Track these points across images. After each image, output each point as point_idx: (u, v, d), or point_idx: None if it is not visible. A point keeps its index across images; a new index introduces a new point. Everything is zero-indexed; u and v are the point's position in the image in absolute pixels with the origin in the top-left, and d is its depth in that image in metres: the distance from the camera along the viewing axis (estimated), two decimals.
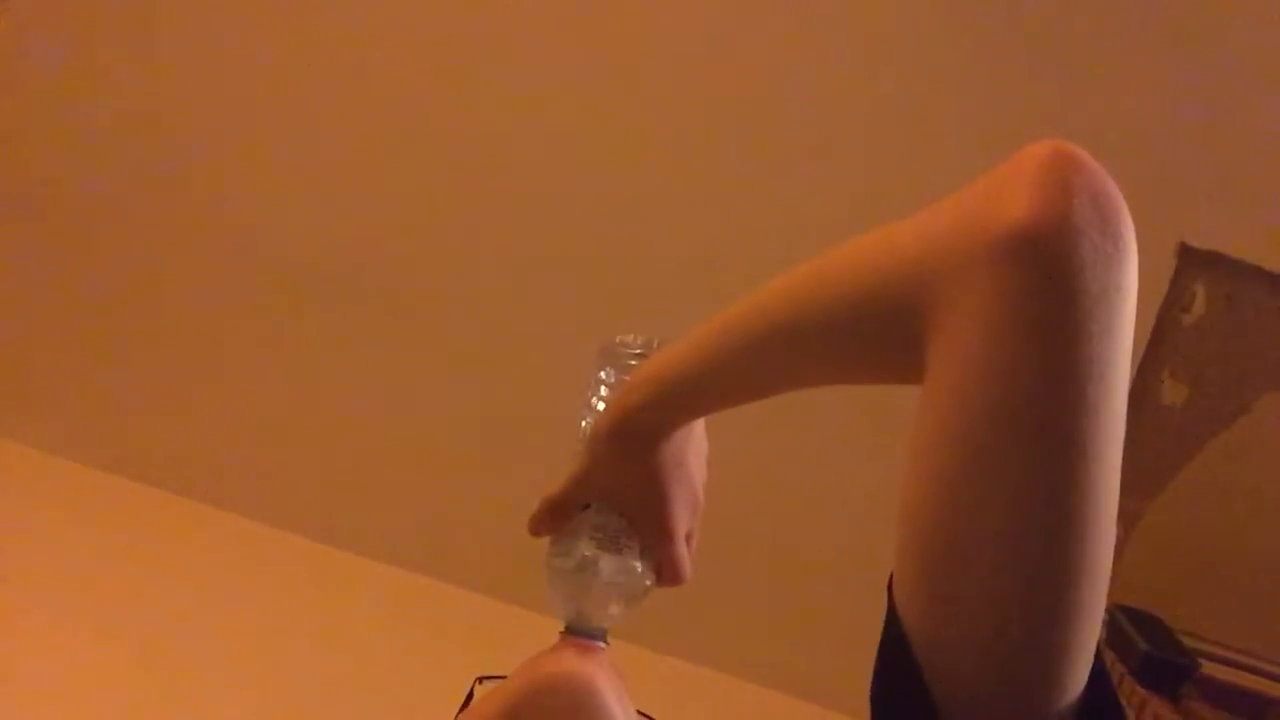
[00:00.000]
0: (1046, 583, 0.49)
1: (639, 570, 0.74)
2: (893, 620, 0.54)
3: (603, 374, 0.79)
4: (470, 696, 0.70)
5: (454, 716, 0.70)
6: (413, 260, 2.46)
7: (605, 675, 0.68)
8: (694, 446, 0.76)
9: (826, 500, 2.39)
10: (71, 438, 2.50)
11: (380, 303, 2.47)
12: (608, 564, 0.73)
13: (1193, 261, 2.29)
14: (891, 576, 0.55)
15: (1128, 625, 2.00)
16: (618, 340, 0.80)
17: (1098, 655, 0.52)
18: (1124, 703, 1.87)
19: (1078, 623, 0.50)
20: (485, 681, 0.70)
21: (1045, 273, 0.48)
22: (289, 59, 2.40)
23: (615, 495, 0.74)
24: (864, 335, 0.58)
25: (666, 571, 0.75)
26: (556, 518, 0.76)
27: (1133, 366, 1.95)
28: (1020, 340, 0.49)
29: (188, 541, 2.37)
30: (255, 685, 2.01)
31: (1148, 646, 1.92)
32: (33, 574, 2.11)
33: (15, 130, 2.47)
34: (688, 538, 0.76)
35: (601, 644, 0.71)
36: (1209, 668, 2.01)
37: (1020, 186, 0.49)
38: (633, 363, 0.77)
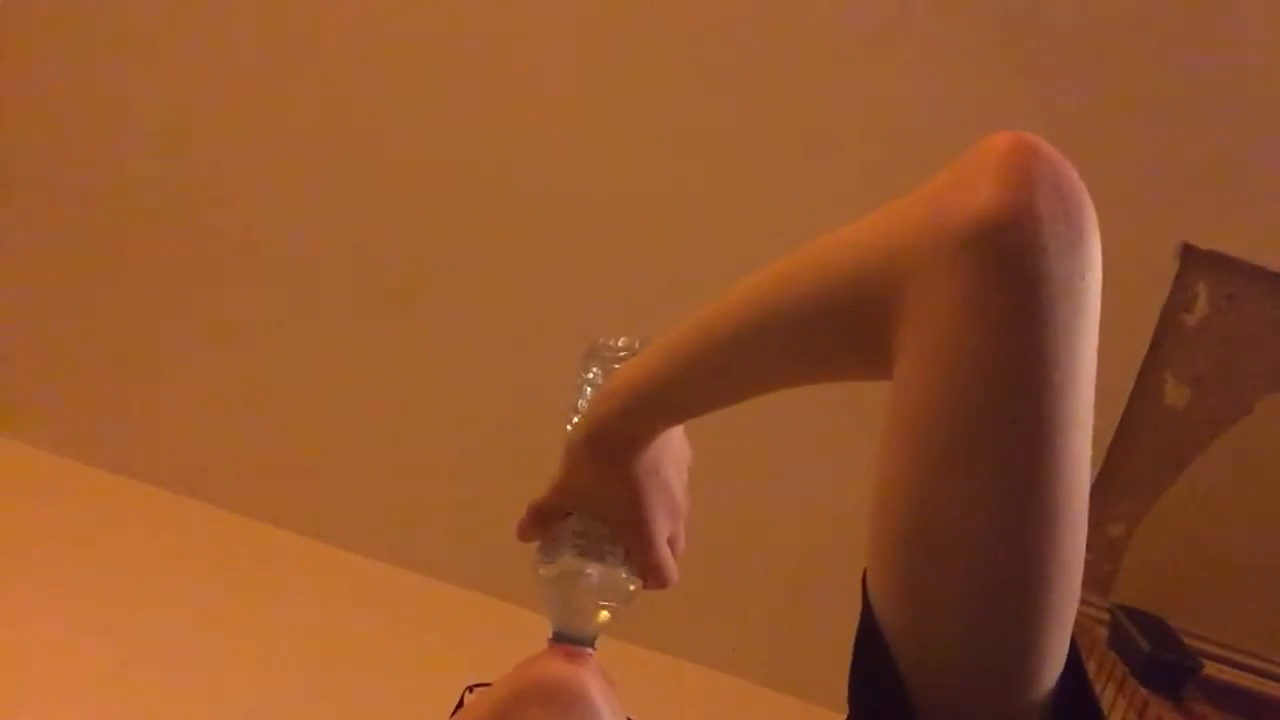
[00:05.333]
0: (1018, 573, 0.49)
1: (623, 576, 0.74)
2: (867, 613, 0.54)
3: (590, 374, 0.79)
4: (460, 704, 0.70)
5: None
6: (414, 260, 2.46)
7: (593, 680, 0.68)
8: (671, 453, 0.76)
9: (824, 499, 2.38)
10: (71, 437, 2.50)
11: (383, 303, 2.47)
12: (591, 571, 0.73)
13: (1195, 262, 2.29)
14: (865, 570, 0.55)
15: (1130, 625, 1.99)
16: (602, 342, 0.80)
17: (1072, 646, 0.52)
18: (1105, 695, 1.87)
19: (1051, 612, 0.50)
20: (475, 689, 0.70)
21: (1009, 262, 0.48)
22: (291, 57, 2.40)
23: (595, 503, 0.75)
24: (833, 333, 0.58)
25: (650, 577, 0.75)
26: (541, 524, 0.76)
27: (1134, 367, 1.93)
28: (985, 330, 0.49)
29: (188, 540, 2.38)
30: (254, 683, 2.01)
31: (1150, 647, 1.91)
32: (33, 573, 2.11)
33: (15, 131, 2.47)
34: (672, 542, 0.76)
35: (589, 649, 0.71)
36: (1211, 668, 2.00)
37: (982, 177, 0.49)
38: (617, 367, 0.77)
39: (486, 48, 2.37)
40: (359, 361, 2.50)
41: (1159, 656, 1.90)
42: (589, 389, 0.78)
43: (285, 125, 2.43)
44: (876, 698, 0.53)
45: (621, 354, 0.78)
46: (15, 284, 2.52)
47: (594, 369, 0.79)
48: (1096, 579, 2.34)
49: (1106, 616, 2.12)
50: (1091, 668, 2.01)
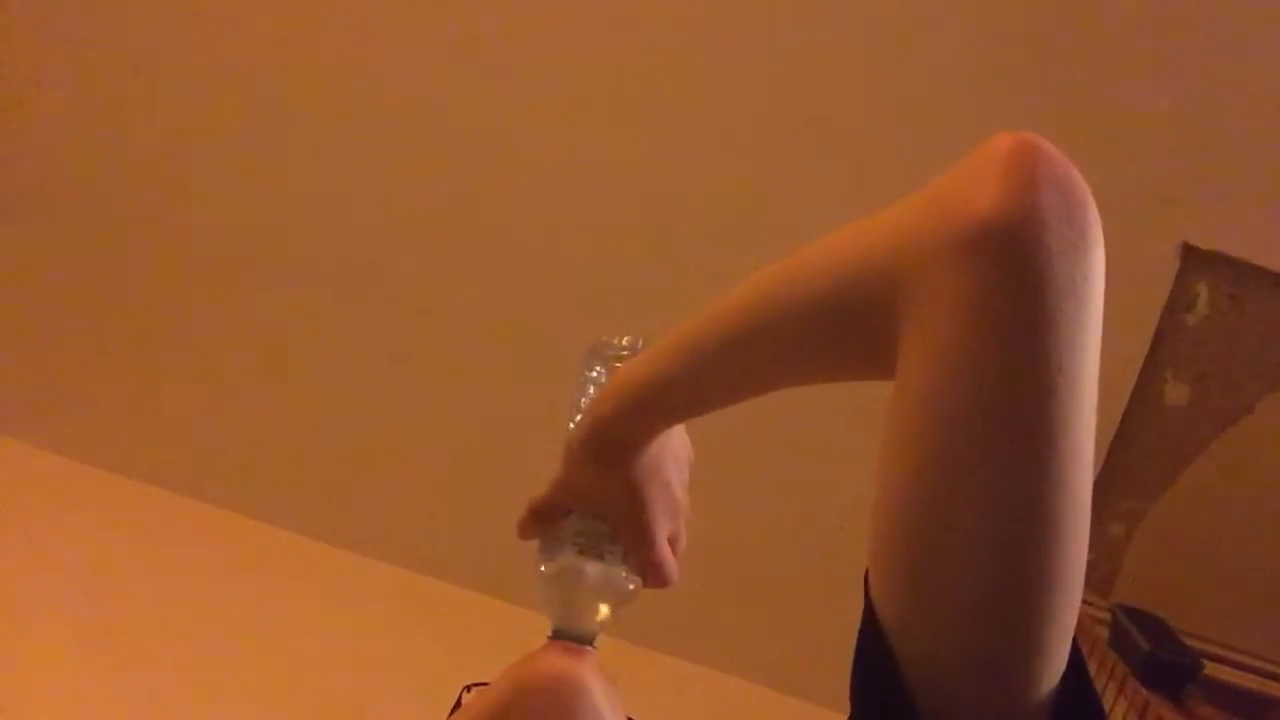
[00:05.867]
0: (1020, 574, 0.49)
1: (623, 575, 0.74)
2: (869, 614, 0.54)
3: (593, 372, 0.79)
4: (459, 703, 0.70)
5: (445, 719, 0.70)
6: (415, 259, 2.46)
7: (593, 677, 0.68)
8: (671, 452, 0.76)
9: (825, 499, 2.39)
10: (72, 437, 2.50)
11: (382, 302, 2.47)
12: (590, 569, 0.73)
13: (1196, 262, 2.28)
14: (867, 571, 0.55)
15: (1130, 625, 1.99)
16: (605, 340, 0.80)
17: (1074, 646, 0.52)
18: (1106, 695, 1.86)
19: (1053, 613, 0.50)
20: (474, 688, 0.70)
21: (1012, 265, 0.48)
22: (289, 56, 2.40)
23: (595, 501, 0.74)
24: (837, 333, 0.57)
25: (651, 575, 0.75)
26: (541, 523, 0.76)
27: (1135, 367, 1.93)
28: (989, 332, 0.49)
29: (188, 541, 2.37)
30: (254, 683, 2.01)
31: (1150, 647, 1.91)
32: (33, 574, 2.11)
33: (15, 130, 2.47)
34: (673, 541, 0.76)
35: (589, 647, 0.71)
36: (1211, 668, 2.00)
37: (986, 178, 0.49)
38: (619, 365, 0.76)
39: (486, 48, 2.37)
40: (358, 361, 2.50)
41: (1159, 656, 1.90)
42: (591, 387, 0.78)
43: (284, 127, 2.43)
44: (879, 698, 0.53)
45: (624, 352, 0.78)
46: (15, 284, 2.52)
47: (596, 367, 0.79)
48: (1096, 579, 2.34)
49: (1106, 616, 2.11)
50: (1091, 668, 2.01)
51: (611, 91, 2.38)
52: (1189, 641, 2.05)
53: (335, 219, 2.45)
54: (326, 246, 2.45)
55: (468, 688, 0.71)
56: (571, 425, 0.76)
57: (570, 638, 0.71)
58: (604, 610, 0.73)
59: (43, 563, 2.15)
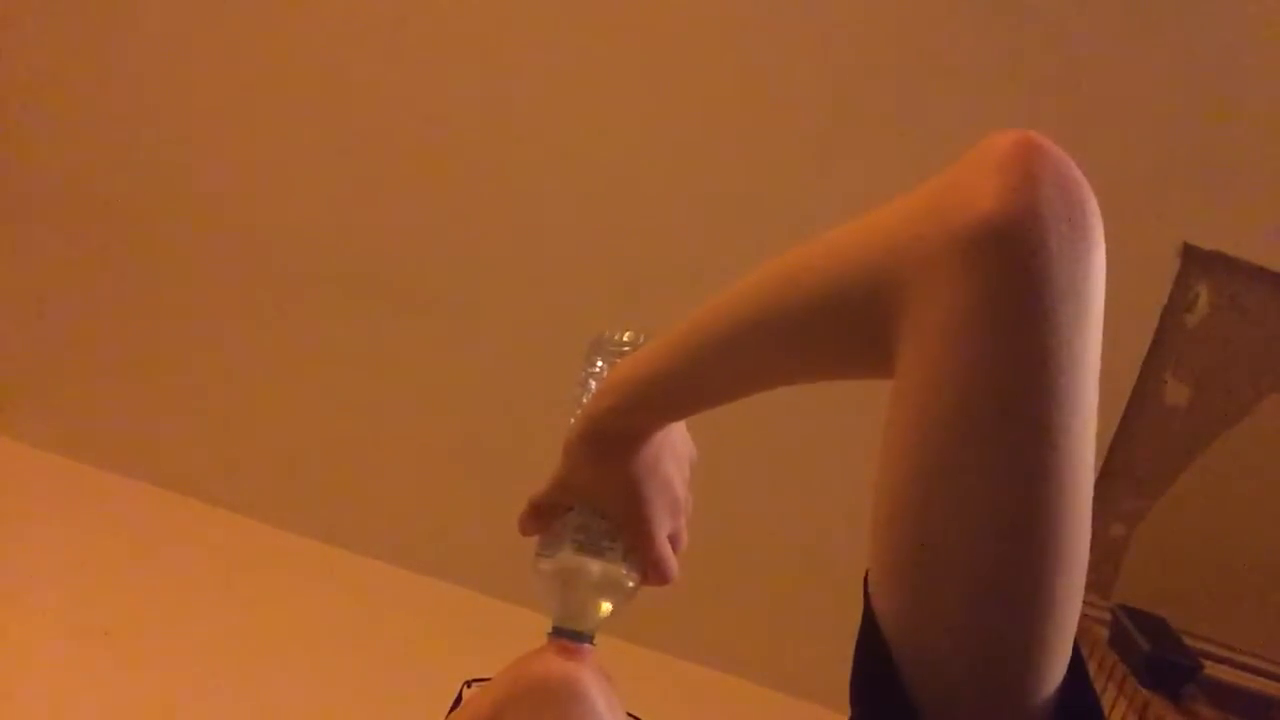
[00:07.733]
0: (1020, 575, 0.49)
1: (623, 572, 0.73)
2: (869, 615, 0.53)
3: (596, 367, 0.78)
4: (459, 699, 0.70)
5: (444, 717, 0.70)
6: (414, 260, 2.46)
7: (591, 675, 0.67)
8: (671, 448, 0.75)
9: (824, 498, 2.39)
10: (71, 437, 2.50)
11: (381, 303, 2.47)
12: (589, 567, 0.73)
13: (1196, 262, 2.29)
14: (867, 571, 0.54)
15: (1130, 625, 1.99)
16: (607, 335, 0.79)
17: (1075, 646, 0.52)
18: (1106, 695, 1.86)
19: (1054, 614, 0.49)
20: (474, 684, 0.70)
21: (1012, 265, 0.47)
22: (296, 58, 2.40)
23: (595, 498, 0.74)
24: (835, 333, 0.57)
25: (651, 573, 0.74)
26: (541, 519, 0.76)
27: (1135, 367, 1.92)
28: (989, 334, 0.48)
29: (188, 541, 2.37)
30: (254, 682, 2.01)
31: (1150, 647, 1.91)
32: (33, 573, 2.11)
33: (17, 131, 2.47)
34: (673, 539, 0.76)
35: (588, 645, 0.71)
36: (1211, 668, 2.00)
37: (985, 177, 0.48)
38: (620, 360, 0.76)
39: (486, 49, 2.37)
40: (358, 362, 2.50)
41: (1159, 656, 1.90)
42: (593, 382, 0.78)
43: (281, 128, 2.43)
44: (878, 698, 0.53)
45: (625, 347, 0.77)
46: (15, 285, 2.52)
47: (598, 362, 0.79)
48: (1097, 579, 2.34)
49: (1107, 616, 2.12)
50: (1091, 668, 2.01)
51: (612, 92, 2.38)
52: (1189, 641, 2.05)
53: (335, 221, 2.45)
54: (326, 248, 2.45)
55: (468, 683, 0.71)
56: (573, 420, 0.75)
57: (570, 635, 0.71)
58: (604, 607, 0.72)
59: (43, 563, 2.15)
